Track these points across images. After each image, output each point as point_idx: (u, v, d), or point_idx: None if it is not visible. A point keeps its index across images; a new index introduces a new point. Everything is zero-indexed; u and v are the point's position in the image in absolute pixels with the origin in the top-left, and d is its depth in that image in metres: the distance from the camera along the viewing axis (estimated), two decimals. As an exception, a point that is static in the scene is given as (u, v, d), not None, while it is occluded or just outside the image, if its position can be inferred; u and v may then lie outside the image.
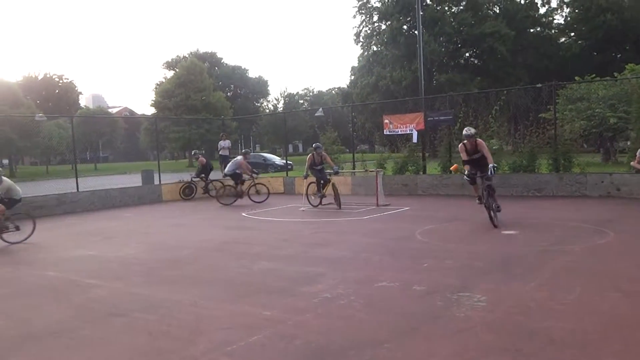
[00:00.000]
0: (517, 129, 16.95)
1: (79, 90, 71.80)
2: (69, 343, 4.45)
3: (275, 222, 12.04)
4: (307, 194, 14.12)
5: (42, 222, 13.21)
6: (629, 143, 17.72)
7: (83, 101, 75.70)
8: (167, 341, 4.40)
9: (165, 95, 54.52)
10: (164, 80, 60.57)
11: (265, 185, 16.36)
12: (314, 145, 14.14)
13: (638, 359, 3.65)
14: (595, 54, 45.66)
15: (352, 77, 57.26)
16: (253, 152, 56.49)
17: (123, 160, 69.23)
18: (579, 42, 48.62)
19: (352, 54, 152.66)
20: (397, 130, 18.00)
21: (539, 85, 19.70)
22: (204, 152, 30.06)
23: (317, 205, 13.76)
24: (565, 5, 50.14)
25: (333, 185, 13.64)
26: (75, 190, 16.31)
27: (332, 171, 13.83)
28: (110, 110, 76.17)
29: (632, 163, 13.62)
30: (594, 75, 25.46)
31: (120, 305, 5.53)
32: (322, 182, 13.70)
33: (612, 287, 5.40)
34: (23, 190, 10.97)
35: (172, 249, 8.74)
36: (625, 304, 4.84)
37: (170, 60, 71.10)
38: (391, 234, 9.48)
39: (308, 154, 14.21)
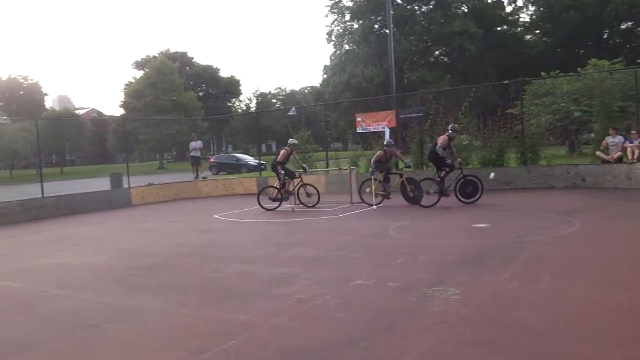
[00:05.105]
0: (485, 125, 17.17)
1: (44, 92, 70.24)
2: (36, 357, 4.30)
3: (247, 223, 11.94)
4: (372, 192, 12.74)
5: (5, 230, 12.91)
6: (592, 135, 18.22)
7: (49, 102, 74.04)
8: (139, 351, 4.30)
9: (135, 96, 53.82)
10: (133, 81, 59.74)
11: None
12: (386, 142, 13.34)
13: (607, 344, 3.72)
14: (559, 50, 46.69)
15: (325, 76, 57.44)
16: (225, 153, 56.29)
17: (91, 164, 67.76)
18: (544, 39, 49.68)
19: (325, 53, 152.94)
20: (369, 128, 18.10)
21: (506, 81, 20.03)
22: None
23: (380, 203, 12.76)
24: (530, 4, 51.19)
25: (407, 180, 12.68)
26: (41, 196, 15.90)
27: (404, 165, 13.07)
28: (77, 111, 74.41)
29: (597, 152, 14.06)
30: (558, 71, 26.05)
31: (89, 315, 5.38)
32: (389, 179, 12.82)
33: (580, 275, 5.52)
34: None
35: (143, 255, 8.57)
36: (593, 291, 4.95)
37: (139, 60, 70.20)
38: (365, 231, 9.50)
39: (377, 151, 13.27)
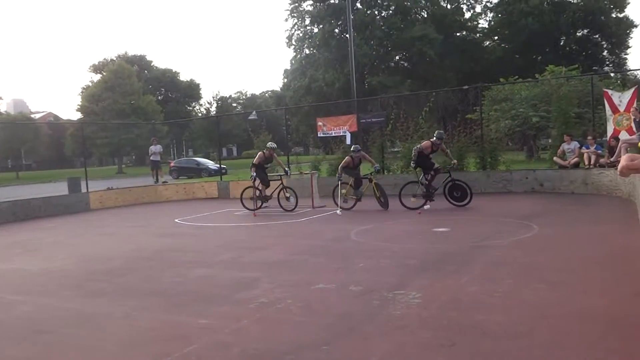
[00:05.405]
0: (445, 130, 17.50)
1: (-2, 95, 67.82)
2: (-11, 365, 4.16)
3: (209, 227, 11.83)
4: (339, 196, 12.85)
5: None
6: (550, 140, 18.76)
7: (3, 106, 71.38)
8: (99, 356, 4.20)
9: (92, 100, 52.49)
10: (90, 84, 58.27)
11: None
12: (352, 148, 13.19)
13: (565, 348, 3.82)
14: (517, 56, 47.98)
15: (285, 80, 57.33)
16: (186, 157, 55.49)
17: (48, 168, 65.83)
18: (502, 45, 50.99)
19: (285, 57, 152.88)
20: (330, 132, 18.18)
21: (466, 87, 20.48)
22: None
23: (351, 208, 12.76)
24: (489, 10, 52.51)
25: (376, 185, 12.71)
26: (-5, 201, 15.37)
27: (373, 170, 12.91)
28: (33, 115, 72.10)
29: (554, 158, 14.47)
30: (516, 76, 26.82)
31: (47, 321, 5.23)
32: (360, 183, 12.83)
33: (537, 278, 5.65)
34: None
35: (102, 260, 8.37)
36: (550, 295, 5.07)
37: (97, 63, 68.54)
38: (327, 235, 9.53)
39: (344, 157, 13.19)
